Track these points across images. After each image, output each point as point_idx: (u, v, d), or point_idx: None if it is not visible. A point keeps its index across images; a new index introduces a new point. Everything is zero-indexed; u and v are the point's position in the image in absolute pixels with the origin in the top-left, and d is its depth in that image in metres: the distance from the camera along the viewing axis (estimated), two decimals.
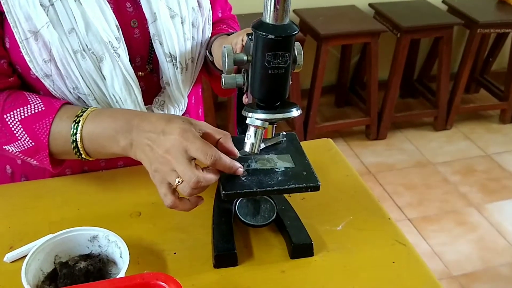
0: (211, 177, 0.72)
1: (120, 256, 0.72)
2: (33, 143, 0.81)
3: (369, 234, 0.85)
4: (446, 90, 2.99)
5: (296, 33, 0.67)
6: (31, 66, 0.82)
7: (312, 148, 1.06)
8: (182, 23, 0.89)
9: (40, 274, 0.71)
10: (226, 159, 0.72)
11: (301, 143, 0.88)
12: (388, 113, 2.92)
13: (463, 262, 2.19)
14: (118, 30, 0.84)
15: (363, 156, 2.86)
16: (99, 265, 0.74)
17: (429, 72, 3.31)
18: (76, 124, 0.80)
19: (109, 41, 0.83)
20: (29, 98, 0.83)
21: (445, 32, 2.80)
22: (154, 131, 0.73)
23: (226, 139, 0.75)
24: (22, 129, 0.81)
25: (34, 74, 0.84)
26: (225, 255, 0.77)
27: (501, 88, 3.18)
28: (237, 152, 0.75)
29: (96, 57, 0.83)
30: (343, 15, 2.77)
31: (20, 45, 0.81)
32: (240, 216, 0.80)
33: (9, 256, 0.77)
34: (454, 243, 2.29)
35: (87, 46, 0.82)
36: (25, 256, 0.71)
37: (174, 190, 0.73)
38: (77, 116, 0.80)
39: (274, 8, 0.64)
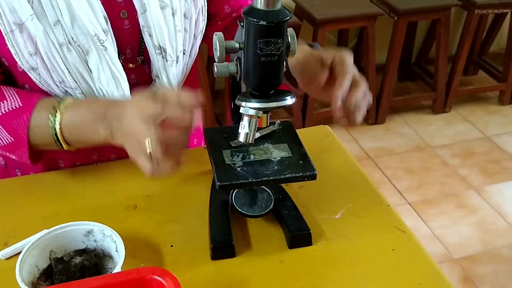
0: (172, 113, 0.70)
1: (116, 250, 0.72)
2: (12, 139, 0.82)
3: (368, 222, 0.84)
4: (444, 72, 2.97)
5: (288, 19, 0.65)
6: (16, 59, 0.81)
7: (309, 135, 1.05)
8: (173, 14, 0.87)
9: (35, 271, 0.71)
10: (173, 109, 0.70)
11: (299, 130, 0.88)
12: (386, 97, 2.91)
13: (464, 245, 2.19)
14: (107, 22, 0.83)
15: (362, 141, 2.85)
16: (94, 260, 0.74)
17: (427, 55, 3.29)
18: (54, 116, 0.80)
19: (96, 34, 0.81)
20: (6, 94, 0.82)
21: (442, 14, 2.78)
22: (126, 118, 0.73)
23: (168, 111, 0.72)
24: (0, 126, 0.81)
25: (21, 68, 0.83)
26: (223, 247, 0.77)
27: (499, 69, 3.16)
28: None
29: (82, 50, 0.82)
30: None
31: (5, 37, 0.79)
32: (237, 207, 0.79)
33: (4, 253, 0.77)
34: (455, 226, 2.29)
35: (72, 39, 0.81)
36: (20, 252, 0.70)
37: (151, 159, 0.71)
38: (54, 108, 0.80)
39: None
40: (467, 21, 2.89)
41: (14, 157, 0.85)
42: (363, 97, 0.79)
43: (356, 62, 3.38)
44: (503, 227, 2.28)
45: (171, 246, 0.79)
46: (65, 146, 0.82)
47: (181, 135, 0.71)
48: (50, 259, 0.73)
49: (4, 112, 0.81)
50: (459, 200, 2.45)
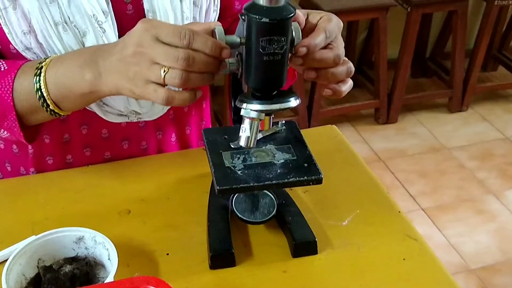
0: (201, 43, 0.68)
1: (109, 259, 0.73)
2: None
3: (378, 229, 0.85)
4: (461, 68, 2.98)
5: (293, 15, 0.66)
6: (10, 38, 0.83)
7: (315, 136, 1.06)
8: (181, 0, 0.89)
9: (22, 280, 0.71)
10: (205, 36, 0.69)
11: (304, 131, 0.88)
12: (399, 95, 2.92)
13: (481, 254, 2.20)
14: (108, 4, 0.84)
15: (372, 141, 2.86)
16: (85, 269, 0.74)
17: (443, 49, 3.30)
18: (39, 71, 0.79)
19: (94, 14, 0.83)
20: None
21: (459, 5, 2.79)
22: (117, 45, 0.73)
23: (195, 27, 0.72)
24: None
25: (14, 48, 0.84)
26: (222, 255, 0.77)
27: None
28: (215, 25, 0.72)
29: (79, 31, 0.83)
30: None
31: None
32: (237, 213, 0.80)
33: None
34: (472, 234, 2.30)
35: (69, 18, 0.82)
36: (6, 260, 0.71)
37: (162, 85, 0.70)
38: (40, 63, 0.80)
39: None
40: (486, 13, 2.90)
41: (5, 134, 0.85)
42: (338, 64, 0.76)
43: (366, 56, 3.40)
44: None
45: (167, 254, 0.80)
46: (52, 105, 0.80)
47: (205, 46, 0.68)
48: (38, 267, 0.73)
49: None
50: (477, 205, 2.45)
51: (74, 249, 0.75)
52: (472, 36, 3.24)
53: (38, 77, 0.79)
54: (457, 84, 3.01)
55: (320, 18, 0.77)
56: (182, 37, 0.68)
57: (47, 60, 0.80)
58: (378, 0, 2.69)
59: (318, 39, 0.72)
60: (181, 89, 0.72)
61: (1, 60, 0.83)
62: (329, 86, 0.78)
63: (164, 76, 0.68)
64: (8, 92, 0.80)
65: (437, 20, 3.22)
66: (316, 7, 2.59)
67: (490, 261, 2.17)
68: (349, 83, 0.79)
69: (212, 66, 0.69)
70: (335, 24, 0.76)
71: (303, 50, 0.71)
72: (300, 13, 0.74)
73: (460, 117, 3.07)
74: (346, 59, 0.79)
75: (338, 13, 2.79)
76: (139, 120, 0.95)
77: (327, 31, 0.74)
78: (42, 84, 0.79)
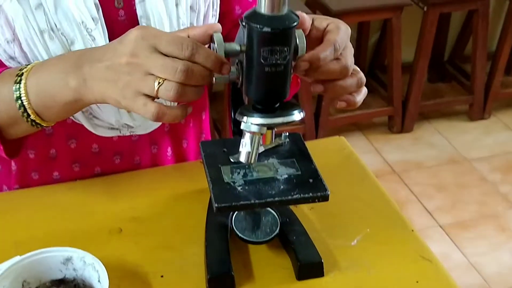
0: (204, 57, 0.69)
1: (98, 281, 0.73)
2: None
3: (389, 249, 0.86)
4: (482, 72, 2.99)
5: (296, 25, 0.67)
6: None
7: (322, 148, 1.08)
8: (176, 4, 0.90)
9: None
10: (207, 49, 0.70)
11: (309, 142, 0.90)
12: (414, 101, 2.93)
13: (505, 275, 2.20)
14: (98, 9, 0.85)
15: (385, 152, 2.87)
16: None
17: (463, 52, 3.32)
18: (19, 78, 0.79)
19: (82, 21, 0.84)
20: None
21: (480, 3, 2.80)
22: (107, 52, 0.73)
23: (194, 31, 0.72)
24: None
25: None
26: (221, 278, 0.78)
27: None
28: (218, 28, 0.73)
29: (66, 39, 0.84)
30: None
31: None
32: (237, 232, 0.81)
33: None
34: (495, 253, 2.30)
35: (56, 26, 0.83)
36: None
37: (153, 98, 0.71)
38: (20, 70, 0.80)
39: None
40: (509, 12, 2.92)
41: None
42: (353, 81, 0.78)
43: (379, 60, 3.41)
44: None
45: (162, 276, 0.81)
46: (33, 115, 0.79)
47: (207, 60, 0.69)
48: None
49: None
50: (500, 222, 2.46)
51: (61, 271, 0.76)
52: (494, 37, 3.26)
53: (18, 84, 0.78)
54: (478, 89, 3.02)
55: (327, 26, 0.78)
56: (184, 48, 0.69)
57: (28, 66, 0.80)
58: None
59: (325, 52, 0.73)
60: (173, 103, 0.73)
61: None
62: (341, 97, 0.79)
63: (158, 89, 0.69)
64: None
65: (456, 20, 3.24)
66: (324, 7, 2.61)
67: None
68: (363, 91, 0.81)
69: (207, 79, 0.71)
70: (344, 33, 0.77)
71: (304, 65, 0.72)
72: (306, 17, 0.75)
73: (482, 126, 3.09)
74: (357, 68, 0.80)
75: (348, 13, 2.82)
76: (131, 133, 0.96)
77: (337, 43, 0.74)
78: (22, 92, 0.78)
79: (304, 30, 0.75)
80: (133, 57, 0.70)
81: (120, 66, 0.71)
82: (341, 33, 0.76)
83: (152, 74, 0.69)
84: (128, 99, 0.71)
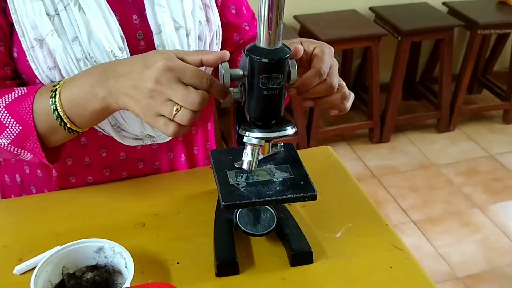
0: (217, 90, 0.72)
1: (126, 267, 0.75)
2: (20, 127, 0.81)
3: (367, 240, 0.87)
4: (448, 91, 2.99)
5: (288, 56, 0.69)
6: (37, 73, 0.84)
7: (311, 155, 1.08)
8: (187, 35, 0.91)
9: (48, 285, 0.73)
10: (219, 82, 0.72)
11: (301, 151, 0.90)
12: (391, 116, 2.94)
13: (468, 263, 2.20)
14: (123, 40, 0.86)
15: (367, 159, 2.87)
16: (105, 276, 0.76)
17: (431, 74, 3.32)
18: (54, 93, 0.80)
19: (111, 50, 0.85)
20: (15, 88, 0.84)
21: (445, 34, 2.82)
22: (133, 71, 0.73)
23: (207, 56, 0.74)
24: (7, 114, 0.81)
25: (40, 83, 0.86)
26: (227, 264, 0.79)
27: (503, 88, 3.19)
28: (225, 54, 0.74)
29: None
30: (343, 20, 2.79)
31: (26, 53, 0.83)
32: (240, 226, 0.82)
33: (19, 269, 0.79)
34: (459, 244, 2.30)
35: (89, 55, 0.84)
36: (34, 268, 0.73)
37: (171, 120, 0.72)
38: (54, 86, 0.81)
39: (268, 33, 0.67)
40: (470, 41, 2.93)
41: (29, 156, 0.85)
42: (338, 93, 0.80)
43: (361, 81, 3.42)
44: (507, 246, 2.29)
45: (178, 263, 0.81)
46: (69, 124, 0.80)
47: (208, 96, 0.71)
48: (62, 274, 0.75)
49: (11, 100, 0.81)
50: (463, 218, 2.46)
51: (95, 258, 0.77)
52: (458, 62, 3.27)
53: (53, 98, 0.79)
54: (445, 106, 3.03)
55: (314, 49, 0.79)
56: (205, 82, 0.71)
57: (61, 82, 0.81)
58: (371, 30, 2.73)
59: (312, 79, 0.76)
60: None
61: (22, 87, 0.84)
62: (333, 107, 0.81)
63: (175, 114, 0.70)
64: (29, 113, 0.81)
65: (425, 47, 3.25)
66: (314, 36, 2.63)
67: (475, 270, 2.17)
68: (351, 97, 0.83)
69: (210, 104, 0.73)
70: (329, 56, 0.78)
71: (293, 90, 0.75)
72: (300, 47, 0.77)
73: (448, 137, 3.09)
74: (343, 83, 0.81)
75: (335, 42, 2.84)
76: (152, 143, 0.97)
77: (322, 70, 0.76)
78: (58, 104, 0.79)
79: (298, 53, 0.77)
80: (157, 84, 0.70)
81: (145, 89, 0.71)
82: (325, 58, 0.78)
83: (172, 101, 0.70)
84: (149, 117, 0.73)
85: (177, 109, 0.70)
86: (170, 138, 0.98)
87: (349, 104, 0.82)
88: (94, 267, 0.77)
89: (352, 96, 0.83)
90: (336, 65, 0.81)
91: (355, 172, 2.70)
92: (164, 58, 0.71)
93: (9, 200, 0.96)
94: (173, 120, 0.71)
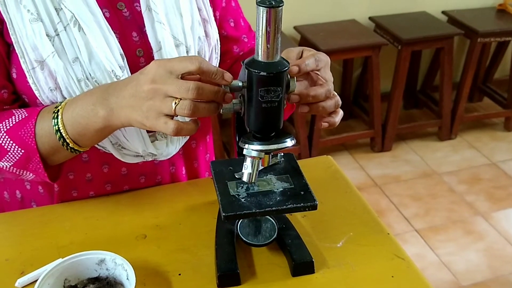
0: (209, 67, 0.72)
1: (127, 278, 0.75)
2: (22, 151, 0.82)
3: (369, 250, 0.87)
4: (449, 99, 3.00)
5: (286, 70, 0.70)
6: (37, 94, 0.84)
7: (312, 165, 1.09)
8: (187, 52, 0.91)
9: None
10: (210, 65, 0.72)
11: (301, 161, 0.90)
12: (392, 125, 2.94)
13: (472, 272, 2.19)
14: (123, 59, 0.86)
15: (368, 168, 2.87)
16: None
17: (432, 82, 3.32)
18: (56, 114, 0.80)
19: (112, 70, 0.85)
20: (14, 111, 0.84)
21: (445, 42, 2.82)
22: (131, 82, 0.74)
23: (203, 64, 0.73)
24: (9, 139, 0.82)
25: (41, 103, 0.86)
26: (228, 275, 0.79)
27: (504, 96, 3.19)
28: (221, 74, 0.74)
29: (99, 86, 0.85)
30: (343, 30, 2.80)
31: (27, 74, 0.83)
32: (242, 236, 0.82)
33: (21, 281, 0.79)
34: (462, 253, 2.29)
35: (90, 75, 0.84)
36: (36, 280, 0.73)
37: (172, 117, 0.73)
38: (56, 107, 0.81)
39: (266, 47, 0.68)
40: (470, 49, 2.94)
41: (31, 176, 0.85)
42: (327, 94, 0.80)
43: (362, 90, 3.42)
44: (511, 253, 2.28)
45: (179, 274, 0.81)
46: (71, 144, 0.81)
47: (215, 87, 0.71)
48: (64, 287, 0.76)
49: (12, 125, 0.82)
50: (466, 226, 2.45)
51: (96, 270, 0.77)
52: (458, 70, 3.28)
53: (56, 119, 0.80)
54: (446, 114, 3.03)
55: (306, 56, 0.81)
56: (194, 61, 0.71)
57: (62, 103, 0.82)
58: (371, 39, 2.73)
59: (319, 90, 0.77)
60: (188, 119, 0.75)
61: (22, 109, 0.84)
62: (324, 120, 0.82)
63: (175, 108, 0.70)
64: (31, 137, 0.81)
65: (426, 56, 3.25)
66: (315, 47, 2.64)
67: (479, 278, 2.15)
68: (340, 113, 0.83)
69: (218, 96, 0.72)
70: (325, 63, 0.80)
71: (295, 98, 0.76)
72: (295, 68, 0.77)
73: (449, 145, 3.08)
74: (335, 92, 0.82)
75: (335, 52, 2.84)
76: (154, 159, 0.97)
77: (316, 58, 0.78)
78: (60, 125, 0.80)
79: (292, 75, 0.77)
80: (153, 83, 0.72)
81: (143, 92, 0.72)
82: (322, 64, 0.80)
83: (170, 96, 0.71)
84: (151, 119, 0.73)
85: (175, 102, 0.71)
86: (171, 155, 0.98)
87: (338, 118, 0.83)
88: (95, 279, 0.77)
89: (341, 112, 0.84)
90: (331, 77, 0.82)
91: (357, 181, 2.70)
92: (153, 61, 0.73)
93: (10, 213, 0.97)
94: (174, 117, 0.72)
